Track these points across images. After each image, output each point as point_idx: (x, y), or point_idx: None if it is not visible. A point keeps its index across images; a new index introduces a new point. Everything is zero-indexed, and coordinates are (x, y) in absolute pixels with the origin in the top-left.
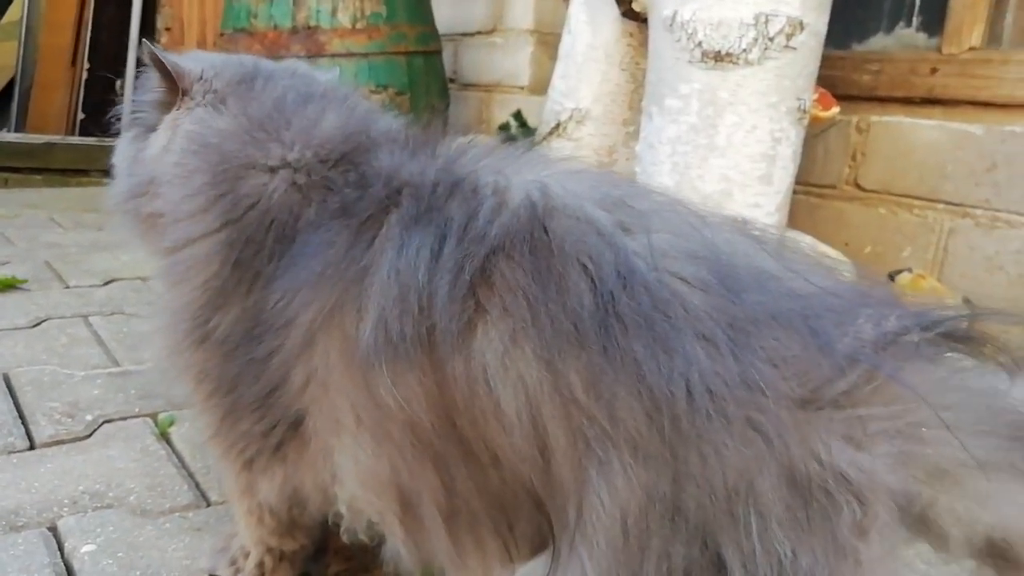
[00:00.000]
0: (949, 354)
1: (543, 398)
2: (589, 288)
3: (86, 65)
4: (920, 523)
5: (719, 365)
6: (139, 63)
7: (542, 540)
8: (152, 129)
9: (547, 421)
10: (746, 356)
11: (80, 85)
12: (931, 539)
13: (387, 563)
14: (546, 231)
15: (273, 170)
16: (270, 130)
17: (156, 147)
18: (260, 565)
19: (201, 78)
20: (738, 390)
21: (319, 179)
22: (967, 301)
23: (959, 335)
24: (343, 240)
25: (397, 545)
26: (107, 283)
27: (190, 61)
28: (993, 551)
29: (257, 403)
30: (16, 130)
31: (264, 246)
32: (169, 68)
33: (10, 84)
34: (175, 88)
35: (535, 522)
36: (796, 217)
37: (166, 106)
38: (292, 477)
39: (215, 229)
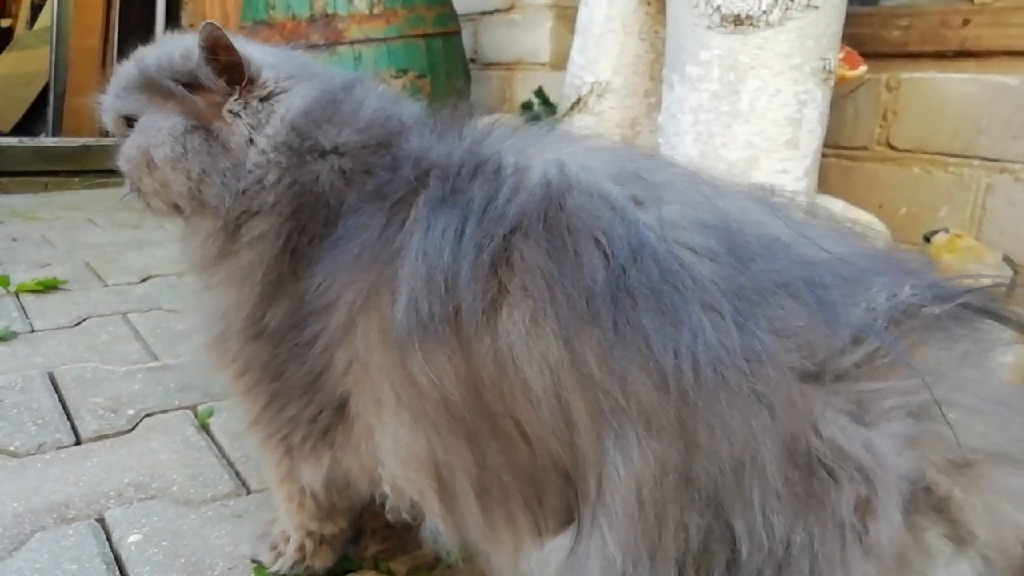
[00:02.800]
0: (969, 329)
1: (564, 374)
2: (602, 263)
3: (116, 66)
4: (942, 517)
5: (724, 336)
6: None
7: (570, 514)
8: (204, 119)
9: (569, 396)
10: (750, 327)
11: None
12: (955, 537)
13: (425, 542)
14: (561, 208)
15: (324, 155)
16: (326, 115)
17: (240, 136)
18: (301, 549)
19: (266, 66)
20: (742, 362)
21: (360, 164)
22: (1007, 259)
23: (979, 307)
24: (377, 223)
25: (435, 521)
26: (144, 280)
27: (247, 48)
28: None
29: (304, 388)
30: (53, 134)
31: (315, 233)
32: (237, 56)
33: (44, 89)
34: (238, 77)
35: (564, 496)
36: (828, 181)
37: (222, 94)
38: (340, 461)
39: (284, 219)
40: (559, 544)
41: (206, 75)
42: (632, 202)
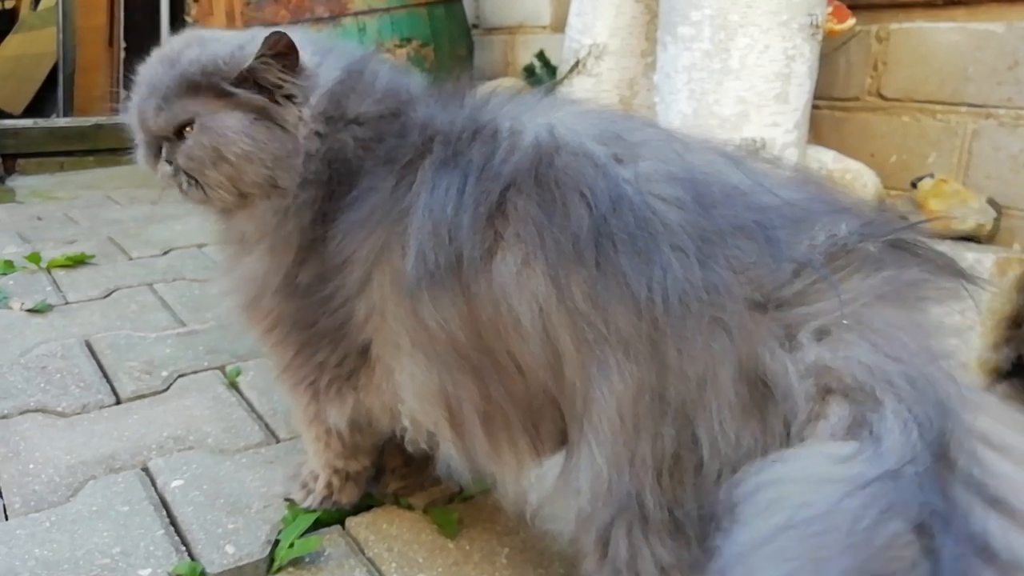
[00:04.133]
0: (895, 266)
1: (552, 310)
2: (587, 213)
3: (123, 44)
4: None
5: (689, 272)
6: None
7: (563, 437)
8: (260, 109)
9: (556, 330)
10: (711, 264)
11: (119, 65)
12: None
13: (441, 477)
14: (551, 166)
15: (348, 124)
16: (351, 86)
17: (294, 117)
18: (329, 485)
19: (303, 49)
20: (703, 293)
21: (375, 132)
22: (992, 202)
23: (904, 244)
24: (387, 185)
25: (448, 448)
26: (166, 252)
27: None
28: None
29: (330, 337)
30: (64, 114)
31: (340, 198)
32: (300, 57)
33: (54, 69)
34: (293, 66)
35: (557, 422)
36: (822, 132)
37: (278, 88)
38: (363, 401)
39: (321, 187)
40: (555, 462)
41: (271, 79)
42: (613, 159)
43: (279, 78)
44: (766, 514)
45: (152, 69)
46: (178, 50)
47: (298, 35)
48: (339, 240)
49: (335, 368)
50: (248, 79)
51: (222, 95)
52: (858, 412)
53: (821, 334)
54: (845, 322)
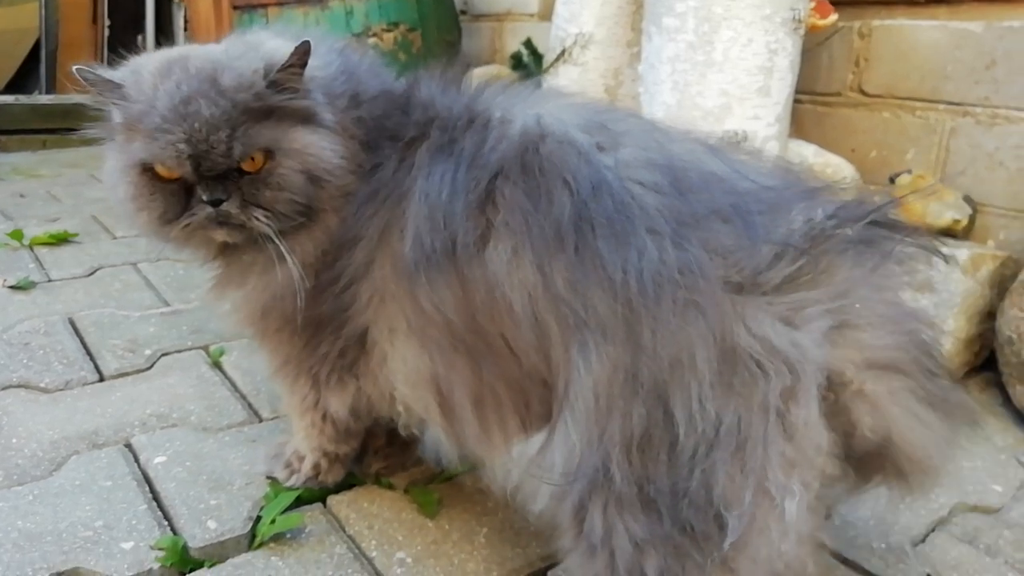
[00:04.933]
0: (875, 249)
1: (539, 296)
2: (569, 199)
3: (107, 22)
4: (839, 410)
5: (664, 254)
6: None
7: (550, 415)
8: (307, 116)
9: (544, 314)
10: (686, 246)
11: (103, 43)
12: (841, 429)
13: (426, 458)
14: (537, 153)
15: (360, 104)
16: (347, 68)
17: (329, 115)
18: (316, 467)
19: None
20: (677, 274)
21: (375, 110)
22: (967, 198)
23: (880, 226)
24: (392, 163)
25: (438, 433)
26: None
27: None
28: (879, 451)
29: (334, 324)
30: (47, 92)
31: (359, 175)
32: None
33: (36, 46)
34: (300, 73)
35: (545, 402)
36: (804, 127)
37: (298, 89)
38: (363, 388)
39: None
40: (537, 438)
41: (294, 84)
42: (596, 147)
43: (300, 81)
44: None
45: (190, 102)
46: (205, 78)
47: (269, 31)
48: (353, 214)
49: (337, 358)
50: (276, 89)
51: (269, 114)
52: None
53: (828, 318)
54: (845, 304)
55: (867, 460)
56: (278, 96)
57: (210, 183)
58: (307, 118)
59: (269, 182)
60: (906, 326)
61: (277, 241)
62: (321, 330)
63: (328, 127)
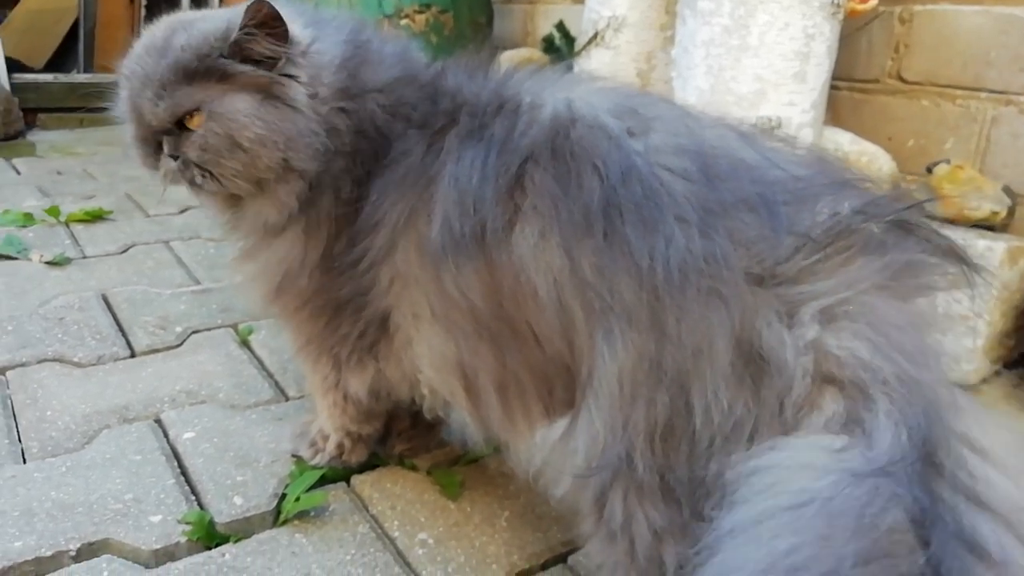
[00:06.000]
0: (895, 249)
1: (565, 280)
2: (598, 184)
3: (144, 1)
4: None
5: (690, 242)
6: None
7: (574, 401)
8: (265, 88)
9: (569, 299)
10: (712, 234)
11: (140, 22)
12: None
13: (451, 440)
14: (567, 138)
15: (370, 93)
16: (362, 56)
17: (301, 93)
18: (340, 446)
19: (291, 20)
20: (703, 263)
21: (397, 98)
22: (1007, 190)
23: (907, 226)
24: (419, 149)
25: (464, 416)
26: (183, 211)
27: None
28: None
29: (354, 306)
30: (84, 70)
31: (372, 165)
32: (284, 23)
33: (74, 26)
34: (283, 39)
35: (569, 388)
36: (840, 114)
37: (271, 61)
38: (383, 370)
39: (353, 156)
40: (560, 424)
41: (261, 50)
42: (626, 132)
43: (270, 49)
44: (766, 495)
45: (139, 60)
46: (164, 37)
47: (287, 8)
48: (374, 201)
49: (357, 339)
50: (238, 54)
51: (222, 78)
52: (852, 408)
53: (823, 316)
54: (849, 308)
55: None
56: (228, 60)
57: (172, 138)
58: (263, 88)
59: (198, 142)
60: (898, 351)
61: (222, 206)
62: (341, 311)
63: (291, 105)
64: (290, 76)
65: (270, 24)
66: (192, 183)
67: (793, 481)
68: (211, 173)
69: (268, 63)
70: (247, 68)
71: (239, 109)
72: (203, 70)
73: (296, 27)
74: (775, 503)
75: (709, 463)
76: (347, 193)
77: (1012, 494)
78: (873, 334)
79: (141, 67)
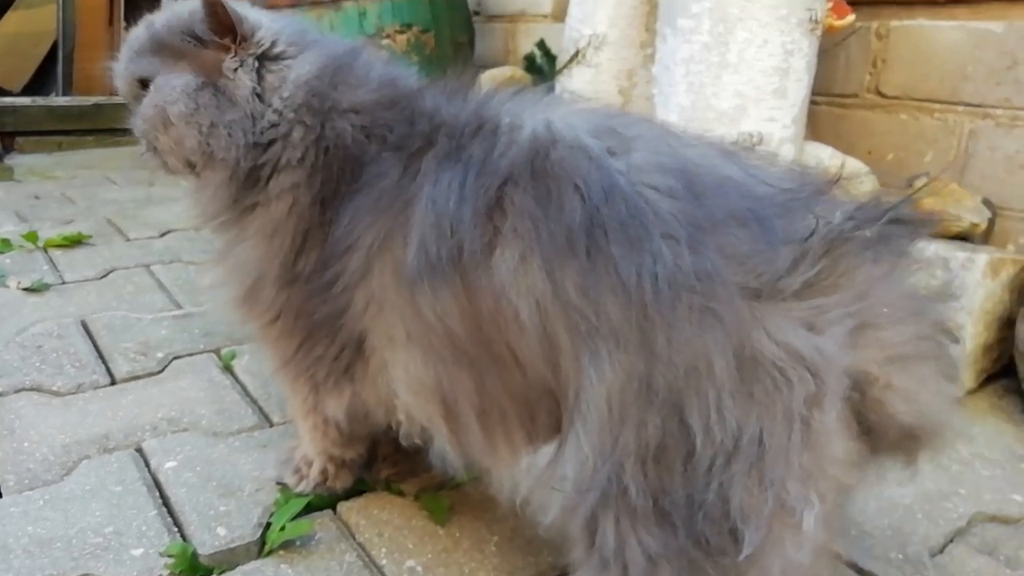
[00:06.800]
0: (892, 248)
1: (548, 303)
2: (580, 204)
3: (123, 24)
4: (871, 406)
5: (679, 259)
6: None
7: (559, 428)
8: (212, 75)
9: (552, 323)
10: (702, 251)
11: (120, 44)
12: (874, 422)
13: (434, 466)
14: (547, 159)
15: (344, 113)
16: (340, 78)
17: (244, 90)
18: (323, 472)
19: (259, 27)
20: (694, 280)
21: (376, 120)
22: (987, 202)
23: (903, 220)
24: (395, 172)
25: (443, 444)
26: (163, 234)
27: (245, 10)
28: (910, 432)
29: (328, 328)
30: (64, 93)
31: (342, 183)
32: (230, 14)
33: (53, 48)
34: (229, 35)
35: (554, 414)
36: (820, 128)
37: (221, 51)
38: (359, 393)
39: (310, 174)
40: (547, 450)
41: (204, 31)
42: (607, 152)
43: (207, 34)
44: None
45: (134, 29)
46: (164, 10)
47: (280, 22)
48: (346, 224)
49: (332, 361)
50: (194, 36)
51: (178, 56)
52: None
53: (842, 323)
54: (867, 315)
55: (893, 442)
56: (187, 40)
57: (135, 106)
58: (209, 76)
59: (141, 112)
60: (922, 312)
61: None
62: (316, 333)
63: (230, 98)
64: (237, 71)
65: (216, 12)
66: (143, 154)
67: None
68: (155, 148)
69: (218, 51)
70: (197, 48)
71: (175, 85)
72: (167, 46)
73: (267, 34)
74: None
75: (709, 484)
76: (307, 208)
77: None
78: (900, 315)
79: (131, 35)
